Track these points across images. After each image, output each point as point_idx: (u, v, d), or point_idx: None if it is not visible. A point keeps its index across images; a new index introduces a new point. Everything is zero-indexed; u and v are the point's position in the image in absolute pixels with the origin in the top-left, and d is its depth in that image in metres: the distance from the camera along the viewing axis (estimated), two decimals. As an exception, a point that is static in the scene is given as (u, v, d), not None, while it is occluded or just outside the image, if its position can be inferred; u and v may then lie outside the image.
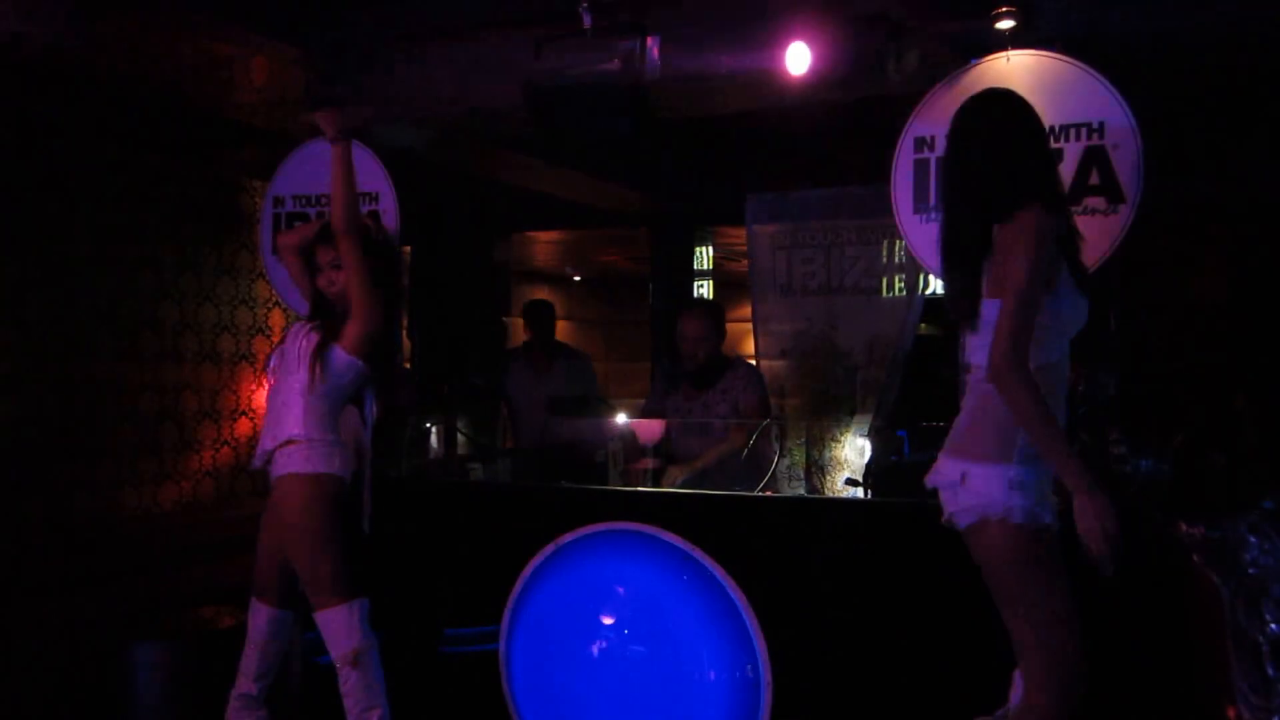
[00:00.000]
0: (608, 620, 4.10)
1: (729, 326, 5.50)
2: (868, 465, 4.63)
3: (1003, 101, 3.12)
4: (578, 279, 12.36)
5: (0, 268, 5.41)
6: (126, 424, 6.14)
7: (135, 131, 6.13)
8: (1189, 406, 3.40)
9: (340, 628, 3.97)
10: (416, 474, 5.18)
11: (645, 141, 4.55)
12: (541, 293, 11.70)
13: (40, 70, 5.17)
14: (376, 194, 5.08)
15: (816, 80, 4.33)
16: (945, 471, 3.05)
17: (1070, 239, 2.99)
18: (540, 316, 6.99)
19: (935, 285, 5.50)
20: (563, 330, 12.03)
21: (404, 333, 7.12)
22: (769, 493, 4.86)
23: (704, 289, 8.55)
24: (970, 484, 2.96)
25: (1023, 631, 2.95)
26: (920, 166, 4.12)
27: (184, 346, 6.52)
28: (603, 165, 6.81)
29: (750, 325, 6.70)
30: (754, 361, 6.40)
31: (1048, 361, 2.92)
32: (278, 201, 5.28)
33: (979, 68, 4.01)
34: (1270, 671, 3.07)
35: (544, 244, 9.97)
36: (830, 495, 5.80)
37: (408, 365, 7.03)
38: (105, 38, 4.89)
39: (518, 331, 7.94)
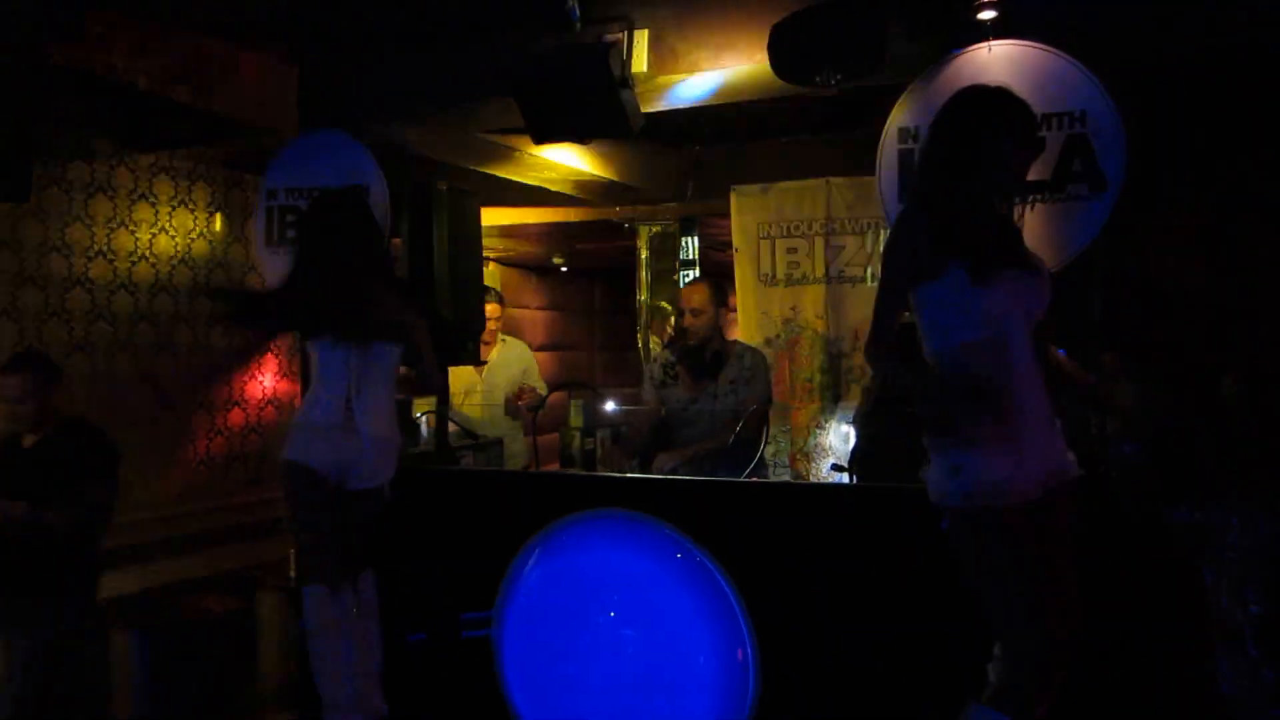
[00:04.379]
0: (598, 605, 4.08)
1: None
2: (853, 452, 4.60)
3: (949, 101, 3.18)
4: (564, 269, 12.28)
5: (-5, 262, 5.35)
6: (123, 416, 6.09)
7: (129, 127, 6.06)
8: (1174, 391, 3.37)
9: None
10: (407, 461, 5.13)
11: (632, 133, 4.50)
12: (529, 283, 11.61)
13: (34, 66, 5.10)
14: (367, 186, 5.06)
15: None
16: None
17: (963, 234, 3.03)
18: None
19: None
20: (548, 320, 11.98)
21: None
22: (756, 479, 4.83)
23: (690, 279, 8.49)
24: (930, 474, 3.08)
25: (995, 611, 3.00)
26: (905, 157, 4.09)
27: (179, 338, 6.47)
28: (590, 156, 6.74)
29: (735, 315, 6.65)
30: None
31: (944, 346, 3.06)
32: (271, 194, 5.26)
33: (961, 58, 3.97)
34: (1253, 653, 3.05)
35: (531, 234, 9.89)
36: (816, 481, 5.77)
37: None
38: (98, 35, 4.83)
39: (507, 319, 7.87)
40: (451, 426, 5.44)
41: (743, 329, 6.53)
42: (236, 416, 6.82)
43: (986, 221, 3.05)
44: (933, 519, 3.11)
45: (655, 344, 7.55)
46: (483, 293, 5.58)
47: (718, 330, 5.16)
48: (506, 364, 6.39)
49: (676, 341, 5.25)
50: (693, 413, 5.08)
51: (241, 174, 6.81)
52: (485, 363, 6.17)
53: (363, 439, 4.12)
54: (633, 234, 8.16)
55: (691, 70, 4.61)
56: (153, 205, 6.33)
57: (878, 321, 3.13)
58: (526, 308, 11.62)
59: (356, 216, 4.29)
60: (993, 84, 3.19)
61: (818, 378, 6.23)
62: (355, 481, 4.16)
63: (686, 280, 7.67)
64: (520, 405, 6.09)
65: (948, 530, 3.06)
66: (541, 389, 6.27)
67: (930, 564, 3.50)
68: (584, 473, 4.87)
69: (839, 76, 3.94)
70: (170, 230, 6.43)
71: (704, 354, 5.10)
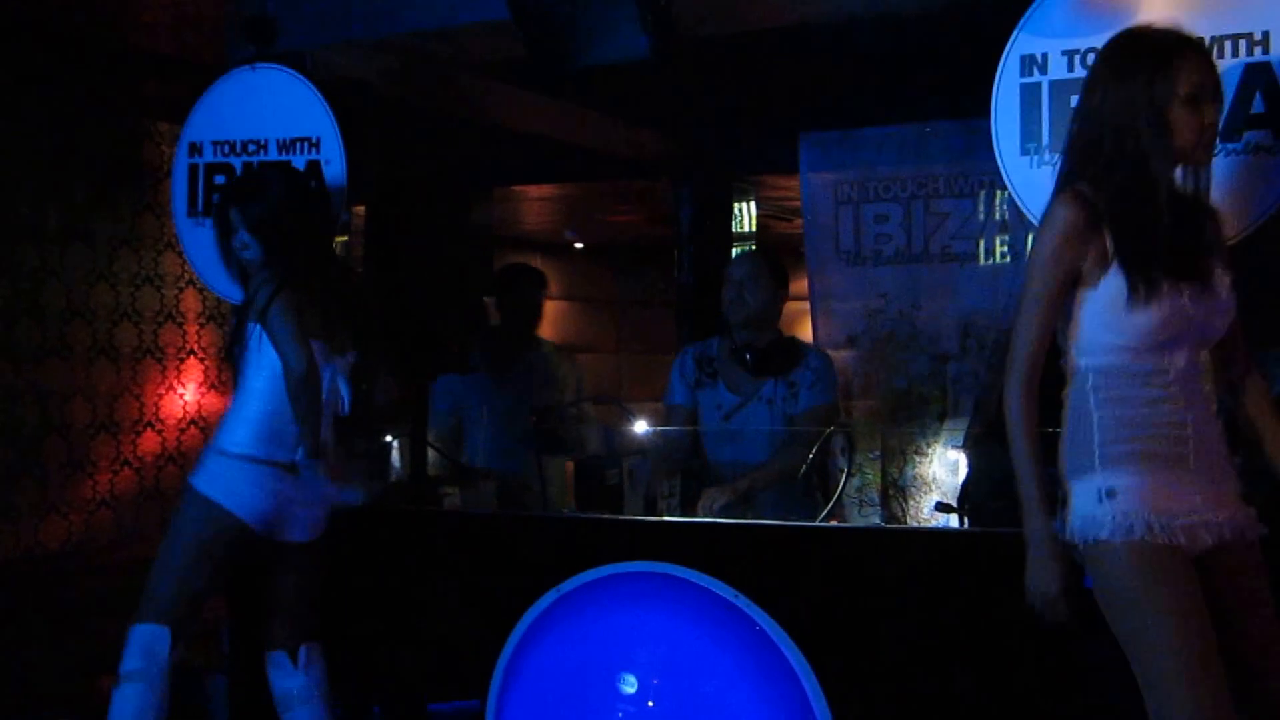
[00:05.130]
0: (627, 688, 4.09)
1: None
2: (964, 485, 4.61)
3: (1104, 52, 3.25)
4: (580, 246, 12.33)
5: None
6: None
7: (9, 65, 6.11)
8: None
9: None
10: (376, 501, 5.17)
11: (669, 66, 4.52)
12: (531, 262, 11.64)
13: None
14: (318, 139, 5.09)
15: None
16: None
17: (1126, 234, 3.09)
18: (514, 292, 6.57)
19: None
20: (561, 312, 12.02)
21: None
22: (835, 522, 4.84)
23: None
24: (1072, 504, 3.14)
25: (1140, 673, 3.04)
26: (1029, 94, 4.09)
27: (72, 339, 6.51)
28: (613, 98, 6.78)
29: (807, 304, 6.66)
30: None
31: (1091, 365, 3.16)
32: (194, 149, 5.30)
33: (1105, -37, 3.98)
34: None
35: (535, 201, 9.95)
36: (915, 525, 5.78)
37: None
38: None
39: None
40: (431, 454, 5.48)
41: (816, 322, 6.54)
42: (150, 442, 6.87)
43: (1157, 214, 3.09)
44: (1075, 573, 3.13)
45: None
46: (476, 280, 5.60)
47: (775, 314, 5.19)
48: (533, 378, 6.36)
49: (724, 339, 5.27)
50: (738, 421, 5.11)
51: (152, 123, 6.86)
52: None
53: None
54: (669, 201, 8.17)
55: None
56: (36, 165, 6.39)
57: (1024, 346, 3.18)
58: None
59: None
60: (1161, 20, 3.22)
61: (916, 387, 6.23)
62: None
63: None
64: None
65: (1093, 585, 3.10)
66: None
67: (1067, 633, 3.50)
68: (606, 515, 4.89)
69: None
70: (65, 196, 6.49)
71: (760, 342, 5.13)
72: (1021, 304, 3.22)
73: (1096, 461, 3.10)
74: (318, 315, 4.35)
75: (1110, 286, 3.09)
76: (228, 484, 4.29)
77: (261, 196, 4.45)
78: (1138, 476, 3.07)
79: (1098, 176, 3.14)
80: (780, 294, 5.23)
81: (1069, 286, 3.16)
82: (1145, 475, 3.07)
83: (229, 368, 4.73)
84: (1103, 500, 3.07)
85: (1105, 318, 3.11)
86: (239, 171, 5.23)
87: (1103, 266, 3.11)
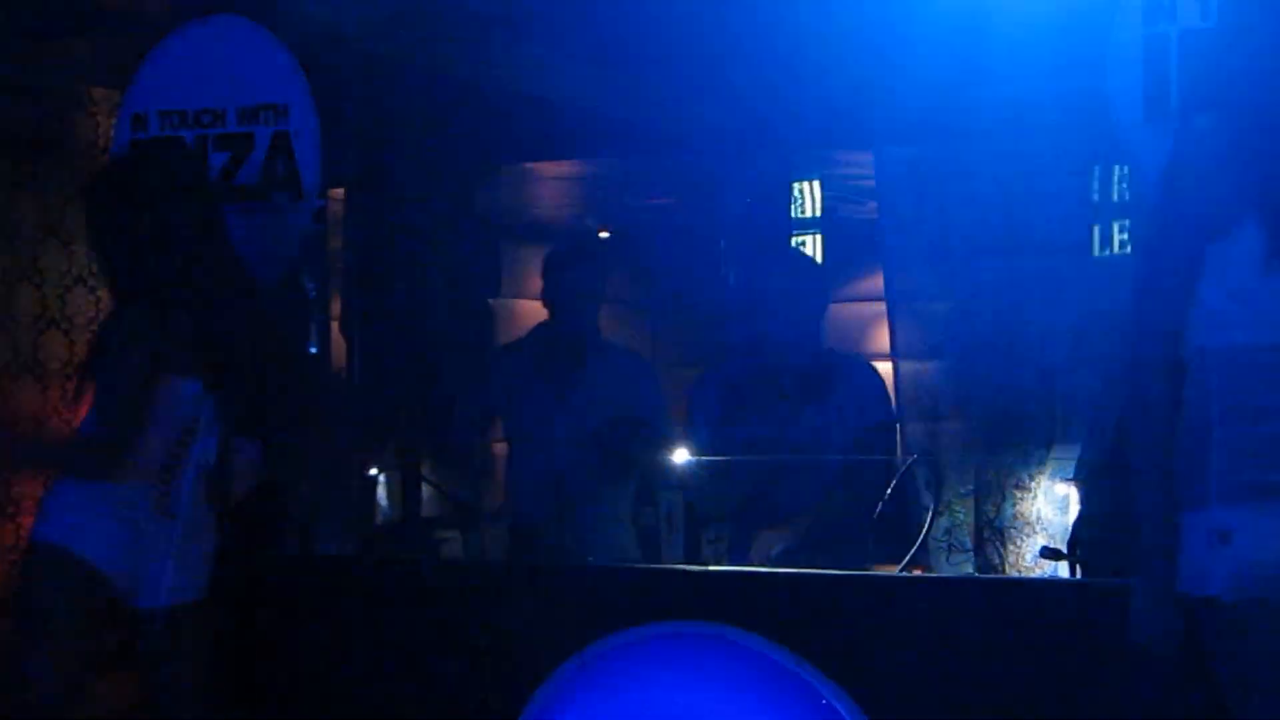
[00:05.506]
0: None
1: (846, 309, 5.49)
2: (1075, 527, 4.63)
3: None
4: (605, 235, 12.36)
5: None
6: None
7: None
8: None
9: None
10: (360, 548, 5.21)
11: (709, 14, 4.56)
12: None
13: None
14: (285, 107, 5.11)
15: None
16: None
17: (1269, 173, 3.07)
18: (567, 279, 6.45)
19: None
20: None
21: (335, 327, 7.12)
22: (918, 572, 4.86)
23: (807, 246, 8.51)
24: (1183, 546, 3.11)
25: None
26: (1154, 47, 4.11)
27: (-11, 350, 6.54)
28: (640, 53, 6.81)
29: (882, 307, 6.67)
30: (887, 364, 6.34)
31: (1213, 345, 3.09)
32: (137, 122, 5.31)
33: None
34: None
35: (551, 181, 9.98)
36: (1016, 575, 5.79)
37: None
38: None
39: (513, 319, 7.95)
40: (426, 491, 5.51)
41: (894, 328, 6.54)
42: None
43: None
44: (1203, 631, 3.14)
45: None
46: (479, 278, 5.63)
47: (817, 327, 5.22)
48: (601, 390, 6.32)
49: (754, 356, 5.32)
50: (775, 462, 5.13)
51: (86, 89, 6.90)
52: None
53: None
54: (713, 180, 8.19)
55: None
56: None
57: (1150, 305, 3.19)
58: (540, 300, 11.67)
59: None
60: None
61: (1017, 407, 6.23)
62: None
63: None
64: None
65: (1205, 646, 3.10)
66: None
67: (1200, 698, 3.52)
68: (637, 564, 4.92)
69: None
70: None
71: (799, 361, 5.16)
72: (1145, 254, 3.25)
73: (1212, 492, 3.05)
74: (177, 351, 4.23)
75: (1244, 239, 3.03)
76: (72, 520, 4.19)
77: (107, 194, 4.40)
78: (1263, 515, 3.00)
79: (1245, 103, 3.13)
80: (822, 302, 5.25)
81: (1201, 233, 3.10)
82: (1272, 514, 3.01)
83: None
84: (1213, 545, 3.02)
85: (1234, 281, 3.05)
86: (191, 148, 5.24)
87: (1239, 213, 3.05)
